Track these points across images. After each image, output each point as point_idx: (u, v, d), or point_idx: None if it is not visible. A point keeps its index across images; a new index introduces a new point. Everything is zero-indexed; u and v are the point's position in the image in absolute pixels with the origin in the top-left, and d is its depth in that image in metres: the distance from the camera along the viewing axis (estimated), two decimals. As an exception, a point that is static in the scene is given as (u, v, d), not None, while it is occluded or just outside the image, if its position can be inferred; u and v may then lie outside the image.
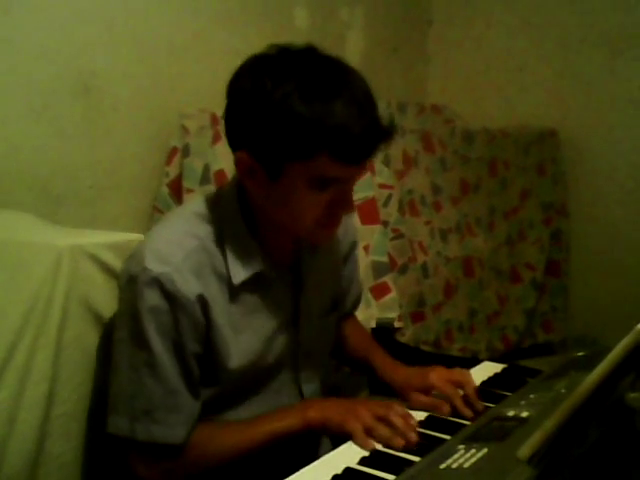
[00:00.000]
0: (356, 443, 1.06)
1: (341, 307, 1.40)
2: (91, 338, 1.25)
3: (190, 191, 2.01)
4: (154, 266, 1.05)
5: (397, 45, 2.98)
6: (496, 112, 2.98)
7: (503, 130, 2.66)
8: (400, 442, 1.04)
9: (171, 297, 1.05)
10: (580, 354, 1.38)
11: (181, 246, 1.09)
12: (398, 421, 1.07)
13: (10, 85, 1.72)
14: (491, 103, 3.02)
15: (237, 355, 1.13)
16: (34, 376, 1.15)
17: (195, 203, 1.19)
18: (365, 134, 1.02)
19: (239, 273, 1.12)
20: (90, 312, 1.24)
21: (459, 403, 1.18)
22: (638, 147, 2.77)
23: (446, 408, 1.18)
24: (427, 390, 1.23)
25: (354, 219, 1.66)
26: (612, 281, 2.84)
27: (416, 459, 1.00)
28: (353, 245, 1.42)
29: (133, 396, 1.08)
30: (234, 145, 1.10)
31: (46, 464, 1.17)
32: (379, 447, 1.05)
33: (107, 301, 1.26)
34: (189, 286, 1.06)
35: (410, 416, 1.12)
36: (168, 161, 2.07)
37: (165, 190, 2.07)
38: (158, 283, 1.05)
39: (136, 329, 1.07)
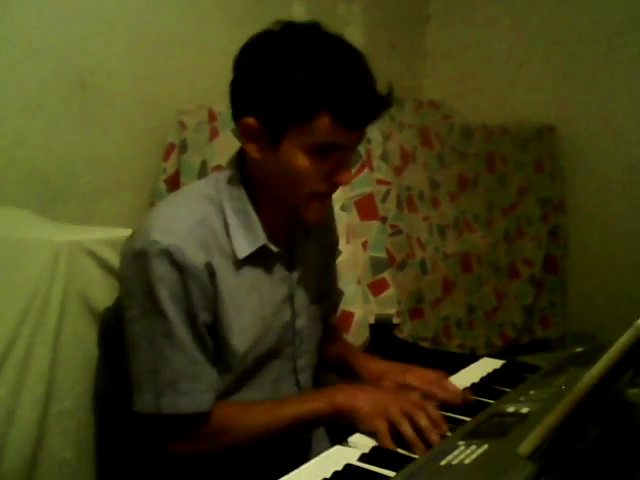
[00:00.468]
0: (379, 443, 1.05)
1: (330, 309, 1.42)
2: (89, 335, 1.25)
3: (188, 187, 2.00)
4: (162, 238, 1.07)
5: (395, 41, 2.98)
6: (494, 108, 2.97)
7: (501, 126, 2.66)
8: (421, 449, 1.03)
9: (181, 267, 1.07)
10: (579, 350, 1.38)
11: (185, 220, 1.11)
12: (422, 420, 1.06)
13: (7, 81, 1.72)
14: (489, 99, 3.02)
15: (238, 332, 1.14)
16: (32, 373, 1.15)
17: (194, 184, 1.26)
18: (366, 98, 1.08)
19: (244, 247, 1.14)
20: (88, 308, 1.24)
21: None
22: (636, 143, 2.78)
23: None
24: (402, 386, 1.23)
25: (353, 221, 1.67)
26: (610, 277, 2.84)
27: (416, 456, 1.00)
28: (336, 244, 1.46)
29: (155, 371, 1.09)
30: (239, 112, 1.12)
31: (44, 461, 1.17)
32: (379, 444, 1.05)
33: (105, 297, 1.26)
34: (197, 255, 1.08)
35: (440, 418, 1.09)
36: (165, 157, 2.07)
37: (163, 186, 2.06)
38: (167, 254, 1.06)
39: (150, 302, 1.08)
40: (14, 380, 1.13)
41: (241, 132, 1.13)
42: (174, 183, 2.05)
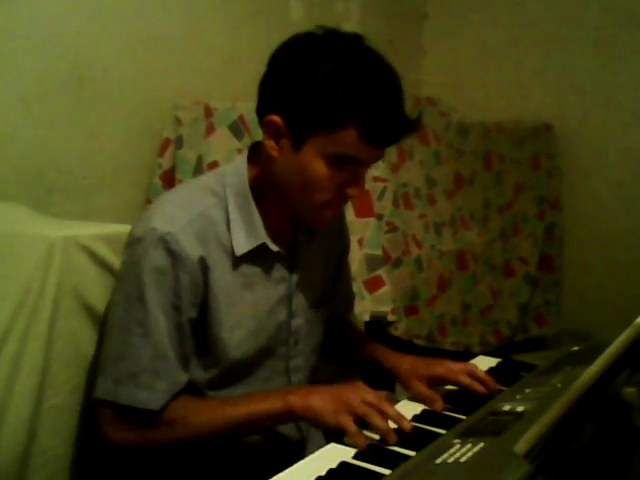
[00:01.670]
0: (349, 441, 1.03)
1: (334, 307, 1.40)
2: (83, 330, 1.24)
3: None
4: (161, 226, 1.08)
5: (392, 38, 2.97)
6: (491, 106, 2.97)
7: (498, 124, 2.66)
8: (394, 439, 1.02)
9: (175, 256, 1.07)
10: (575, 349, 1.38)
11: (187, 210, 1.11)
12: (390, 409, 1.05)
13: (2, 76, 1.71)
14: (486, 97, 3.01)
15: (228, 327, 1.14)
16: (25, 368, 1.14)
17: (201, 178, 1.26)
18: (395, 120, 1.08)
19: (242, 244, 1.14)
20: (82, 304, 1.23)
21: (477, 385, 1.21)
22: (632, 142, 2.78)
23: (440, 404, 1.17)
24: (431, 380, 1.24)
25: (349, 218, 1.66)
26: (605, 276, 2.85)
27: (412, 454, 0.99)
28: (347, 247, 1.45)
29: (120, 357, 1.08)
30: (266, 108, 1.12)
31: (36, 457, 1.16)
32: (374, 441, 1.04)
33: (99, 293, 1.25)
34: (192, 247, 1.08)
35: (392, 402, 1.10)
36: (161, 152, 2.06)
37: (158, 182, 2.05)
38: (164, 242, 1.07)
39: (135, 288, 1.08)
40: (7, 375, 1.12)
41: (264, 128, 1.13)
42: (170, 178, 2.04)
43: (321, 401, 1.07)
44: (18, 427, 1.13)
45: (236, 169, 1.18)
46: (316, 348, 1.33)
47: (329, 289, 1.37)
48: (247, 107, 1.94)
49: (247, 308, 1.17)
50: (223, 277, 1.13)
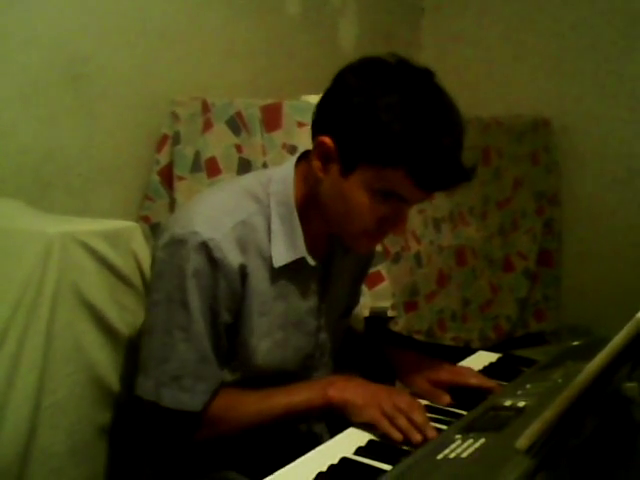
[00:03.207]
0: (383, 431, 1.04)
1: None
2: (82, 326, 1.24)
3: (181, 179, 1.99)
4: (203, 231, 1.07)
5: (389, 33, 2.97)
6: (489, 101, 2.96)
7: (496, 119, 2.64)
8: (418, 437, 1.02)
9: (216, 263, 1.06)
10: (575, 344, 1.38)
11: (230, 215, 1.10)
12: (418, 417, 1.05)
13: (0, 72, 1.70)
14: (484, 91, 3.01)
15: (258, 334, 1.14)
16: (24, 365, 1.14)
17: (245, 179, 1.23)
18: (448, 170, 1.05)
19: (282, 256, 1.13)
20: (81, 300, 1.23)
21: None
22: (631, 137, 2.77)
23: (446, 398, 1.17)
24: (436, 384, 1.23)
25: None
26: (604, 270, 2.84)
27: (413, 449, 0.99)
28: (372, 260, 1.46)
29: (164, 360, 1.09)
30: (321, 128, 1.10)
31: (36, 455, 1.16)
32: (375, 437, 1.04)
33: (98, 289, 1.25)
34: (234, 255, 1.08)
35: (425, 411, 1.10)
36: (159, 148, 2.05)
37: (156, 178, 2.05)
38: (206, 248, 1.06)
39: (177, 291, 1.07)
40: (6, 372, 1.12)
41: (314, 147, 1.10)
42: (167, 174, 2.03)
43: (355, 395, 1.09)
44: (18, 424, 1.13)
45: (282, 177, 1.16)
46: (334, 359, 1.33)
47: (353, 301, 1.38)
48: (244, 103, 1.93)
49: (277, 318, 1.16)
50: (259, 285, 1.12)
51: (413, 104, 1.02)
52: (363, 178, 1.06)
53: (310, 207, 1.15)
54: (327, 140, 1.07)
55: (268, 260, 1.12)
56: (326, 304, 1.23)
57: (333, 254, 1.23)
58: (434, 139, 1.02)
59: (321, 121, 1.11)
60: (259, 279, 1.12)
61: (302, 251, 1.14)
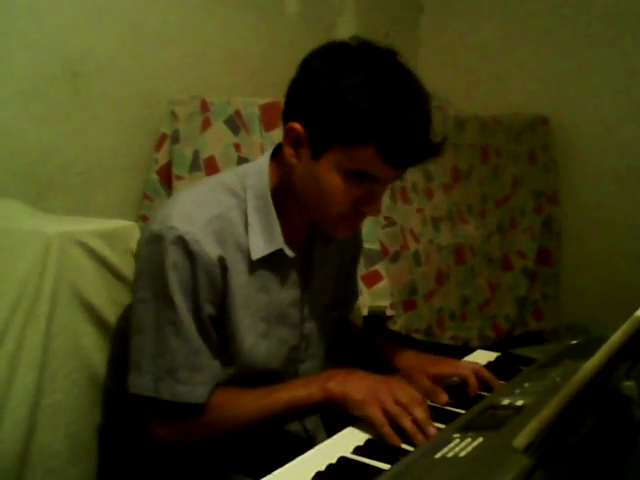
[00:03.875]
0: (383, 436, 1.03)
1: (344, 309, 1.42)
2: (80, 326, 1.24)
3: (180, 178, 1.99)
4: (180, 225, 1.07)
5: (388, 31, 2.96)
6: (488, 99, 2.97)
7: (495, 117, 2.65)
8: (422, 440, 1.01)
9: (194, 256, 1.07)
10: (574, 342, 1.38)
11: (207, 210, 1.11)
12: (420, 414, 1.04)
13: (-3, 70, 1.70)
14: (483, 90, 3.01)
15: (243, 329, 1.14)
16: (23, 364, 1.14)
17: (222, 175, 1.25)
18: (417, 143, 1.05)
19: (259, 248, 1.14)
20: (79, 300, 1.23)
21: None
22: (629, 135, 2.77)
23: (444, 397, 1.17)
24: (437, 378, 1.23)
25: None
26: (603, 269, 2.85)
27: (411, 448, 0.99)
28: (360, 252, 1.45)
29: (157, 355, 1.09)
30: (290, 114, 1.11)
31: (35, 454, 1.16)
32: (374, 436, 1.04)
33: (96, 289, 1.25)
34: (212, 248, 1.08)
35: (427, 405, 1.10)
36: (157, 148, 2.05)
37: (154, 177, 2.05)
38: (183, 242, 1.07)
39: (161, 287, 1.08)
40: (5, 371, 1.12)
41: (285, 134, 1.11)
42: (166, 174, 2.03)
43: (356, 389, 1.08)
44: (17, 423, 1.13)
45: (258, 170, 1.17)
46: (324, 352, 1.33)
47: (341, 293, 1.37)
48: (243, 102, 1.93)
49: (260, 310, 1.17)
50: (240, 278, 1.13)
51: (376, 82, 1.03)
52: (334, 160, 1.06)
53: (287, 197, 1.16)
54: (297, 125, 1.08)
55: (247, 253, 1.13)
56: (309, 295, 1.23)
57: (313, 245, 1.24)
58: (399, 113, 1.02)
59: (290, 108, 1.12)
60: (239, 272, 1.12)
61: (279, 242, 1.15)
